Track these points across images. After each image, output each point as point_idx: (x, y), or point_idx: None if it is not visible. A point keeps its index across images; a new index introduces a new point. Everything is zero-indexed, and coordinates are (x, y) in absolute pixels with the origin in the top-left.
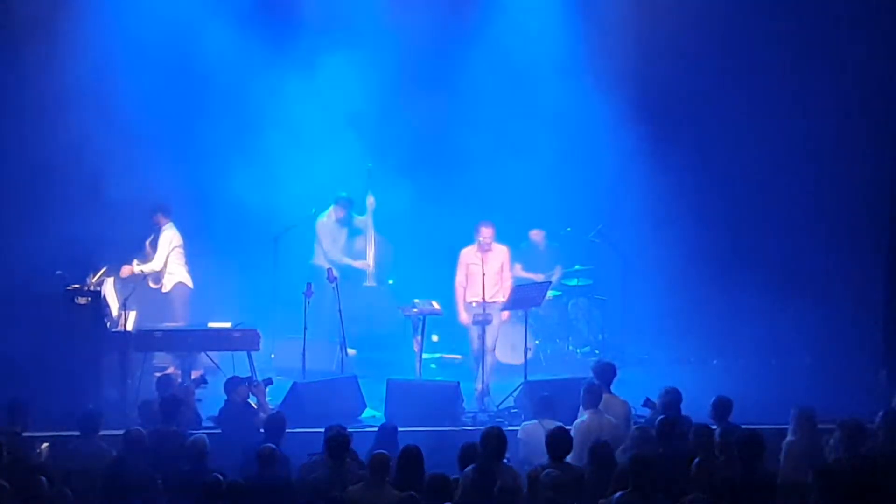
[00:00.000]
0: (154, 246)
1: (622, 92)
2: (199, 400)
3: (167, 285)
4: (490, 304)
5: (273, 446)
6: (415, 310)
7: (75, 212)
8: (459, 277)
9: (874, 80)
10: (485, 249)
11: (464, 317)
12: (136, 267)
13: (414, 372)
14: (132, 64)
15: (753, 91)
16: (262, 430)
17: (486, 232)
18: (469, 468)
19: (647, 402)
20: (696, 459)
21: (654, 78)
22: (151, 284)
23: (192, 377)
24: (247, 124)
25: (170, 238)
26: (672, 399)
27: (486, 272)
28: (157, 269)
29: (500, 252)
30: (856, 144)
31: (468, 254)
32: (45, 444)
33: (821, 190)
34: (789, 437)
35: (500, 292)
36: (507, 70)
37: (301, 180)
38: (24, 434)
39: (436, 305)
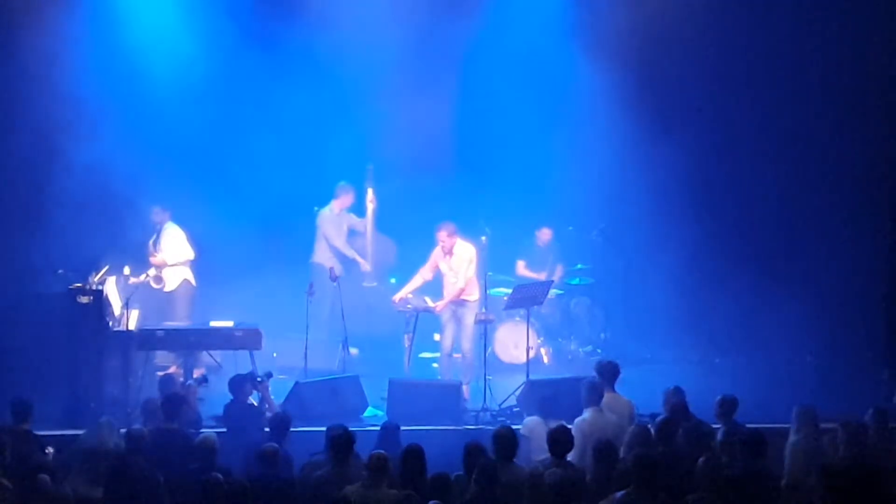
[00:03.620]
0: (157, 244)
1: (624, 91)
2: (202, 399)
3: (172, 283)
4: (461, 304)
5: (275, 446)
6: (409, 306)
7: (78, 212)
8: (423, 266)
9: (877, 76)
10: (445, 251)
11: (395, 301)
12: (146, 274)
13: (416, 371)
14: (134, 68)
15: (756, 90)
16: (266, 430)
17: (440, 235)
18: (479, 466)
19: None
20: (702, 458)
21: (655, 76)
22: (153, 285)
23: (194, 376)
24: (248, 124)
25: (175, 233)
26: (679, 401)
27: (449, 271)
28: (170, 263)
29: (464, 251)
30: (858, 143)
31: (435, 255)
32: (50, 450)
33: (823, 188)
34: (792, 437)
35: (458, 292)
36: (509, 69)
37: (301, 179)
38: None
39: (429, 302)
